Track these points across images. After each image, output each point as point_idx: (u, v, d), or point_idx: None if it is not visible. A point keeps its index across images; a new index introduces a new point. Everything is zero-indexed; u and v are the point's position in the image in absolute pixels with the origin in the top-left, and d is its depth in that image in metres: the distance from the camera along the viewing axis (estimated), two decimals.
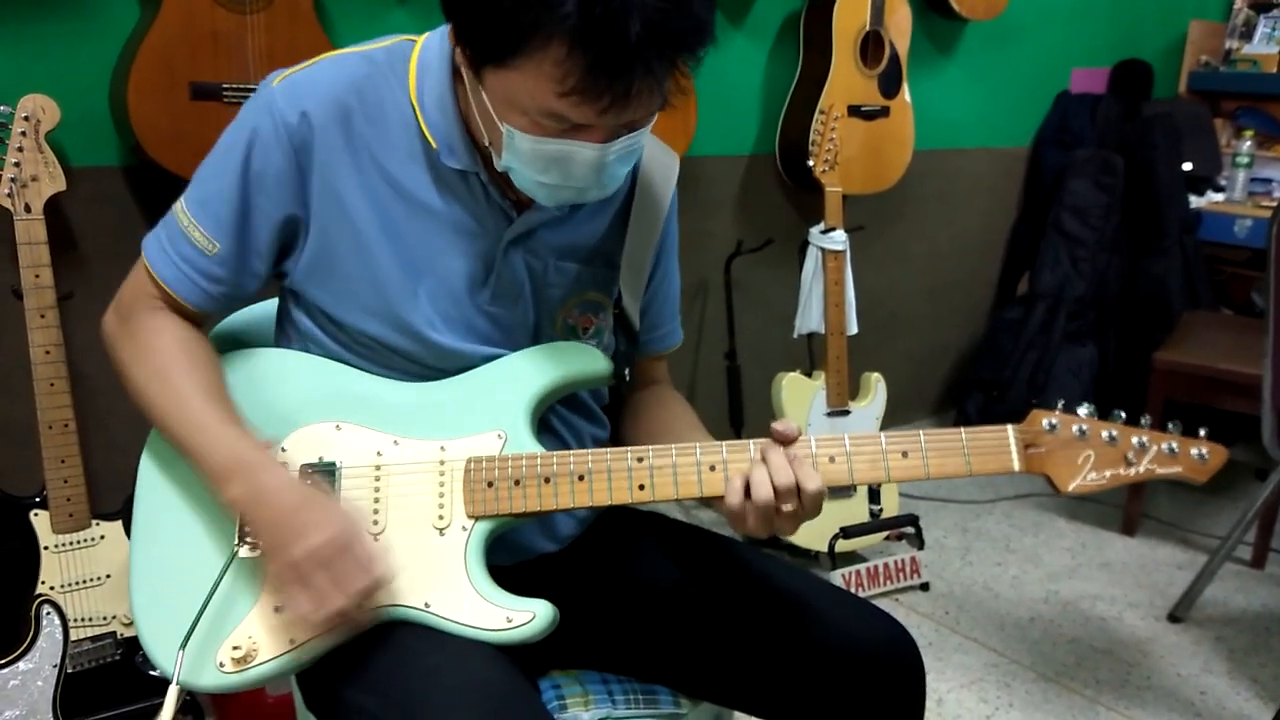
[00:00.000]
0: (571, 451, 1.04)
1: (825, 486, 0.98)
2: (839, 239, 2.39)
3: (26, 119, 1.57)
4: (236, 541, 1.03)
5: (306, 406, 1.08)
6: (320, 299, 1.09)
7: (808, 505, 0.99)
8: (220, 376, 1.09)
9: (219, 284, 1.08)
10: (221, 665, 0.99)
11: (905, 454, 1.01)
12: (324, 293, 1.09)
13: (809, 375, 2.46)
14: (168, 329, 1.09)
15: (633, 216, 1.15)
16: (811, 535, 2.43)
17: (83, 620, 1.67)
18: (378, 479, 1.05)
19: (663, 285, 1.25)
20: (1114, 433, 1.00)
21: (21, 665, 1.62)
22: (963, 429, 1.01)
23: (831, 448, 1.01)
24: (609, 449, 1.04)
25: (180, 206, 1.08)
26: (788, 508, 0.98)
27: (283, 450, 1.07)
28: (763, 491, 0.97)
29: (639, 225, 1.15)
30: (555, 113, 0.91)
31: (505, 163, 1.00)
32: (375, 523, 1.04)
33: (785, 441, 1.00)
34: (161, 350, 1.07)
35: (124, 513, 1.69)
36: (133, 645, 1.71)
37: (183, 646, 0.99)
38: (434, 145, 1.04)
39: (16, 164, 1.57)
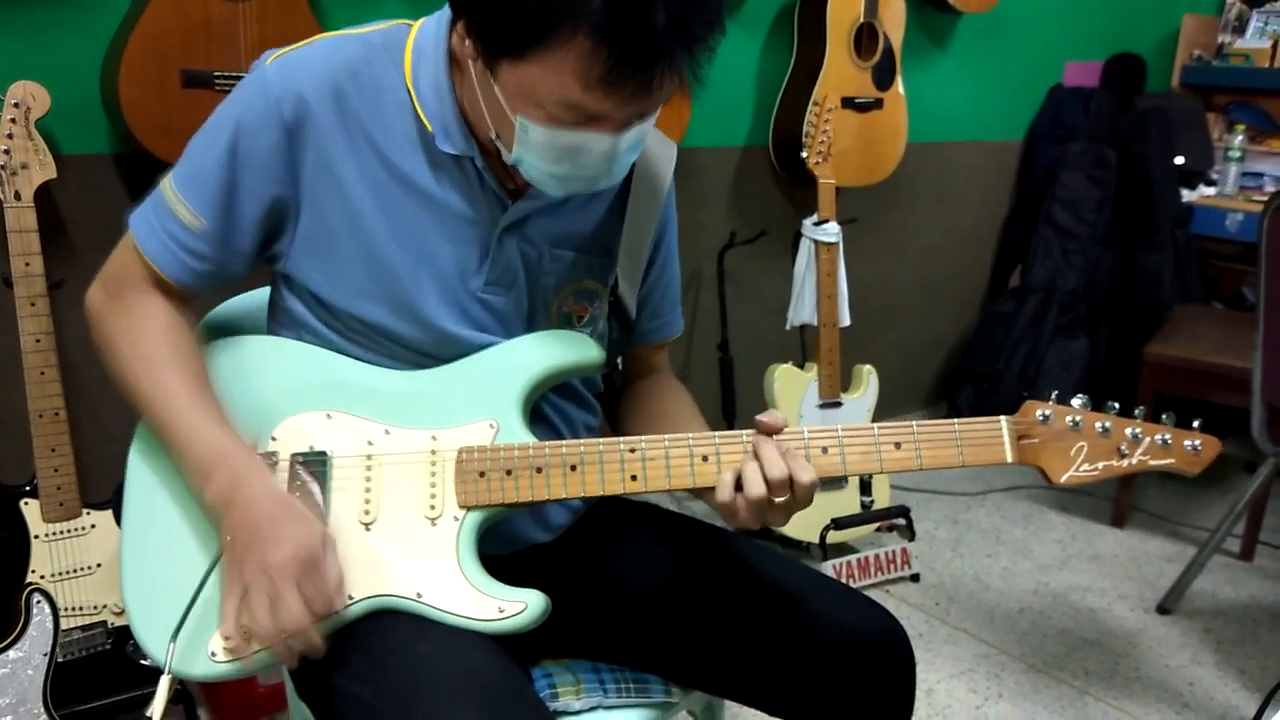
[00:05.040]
0: (564, 441, 1.04)
1: (818, 478, 0.99)
2: (832, 231, 2.39)
3: (16, 106, 1.56)
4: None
5: (297, 395, 1.08)
6: (315, 281, 1.09)
7: (800, 497, 0.99)
8: (204, 370, 1.09)
9: (204, 261, 1.08)
10: (213, 655, 0.99)
11: (898, 445, 1.01)
12: (320, 274, 1.08)
13: (801, 367, 2.46)
14: (155, 315, 1.08)
15: (630, 204, 1.15)
16: (803, 526, 2.43)
17: (73, 609, 1.67)
18: (369, 469, 1.05)
19: (663, 274, 1.25)
20: (1107, 424, 1.00)
21: (11, 654, 1.61)
22: (956, 420, 1.01)
23: (825, 439, 1.02)
24: (601, 439, 1.04)
25: (168, 182, 1.08)
26: (780, 500, 0.99)
27: (273, 439, 1.06)
28: (756, 487, 0.98)
29: (636, 213, 1.15)
30: (576, 104, 0.92)
31: (516, 155, 1.00)
32: (366, 513, 1.03)
33: (771, 431, 1.01)
34: (148, 337, 1.07)
35: (115, 502, 1.68)
36: (123, 634, 1.71)
37: (174, 637, 0.99)
38: (429, 129, 1.04)
39: (6, 151, 1.56)
